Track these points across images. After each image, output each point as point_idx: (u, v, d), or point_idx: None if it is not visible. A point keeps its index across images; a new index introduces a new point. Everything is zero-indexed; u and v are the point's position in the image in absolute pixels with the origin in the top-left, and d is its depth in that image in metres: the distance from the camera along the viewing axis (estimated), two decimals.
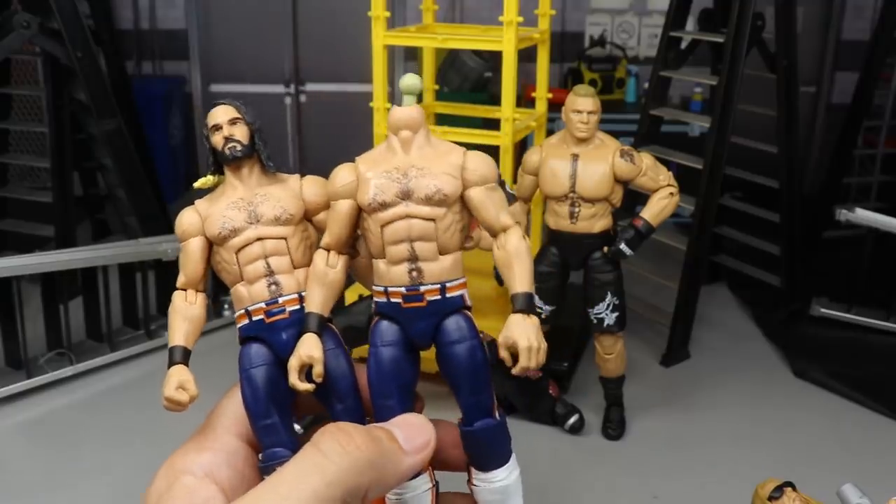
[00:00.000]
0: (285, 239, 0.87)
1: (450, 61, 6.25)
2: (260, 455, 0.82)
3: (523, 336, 0.80)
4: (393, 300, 0.82)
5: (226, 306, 4.66)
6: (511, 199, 3.36)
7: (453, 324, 0.82)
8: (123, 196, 4.89)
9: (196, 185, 0.93)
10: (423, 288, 0.81)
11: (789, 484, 2.35)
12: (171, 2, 6.85)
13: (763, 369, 4.32)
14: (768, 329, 4.66)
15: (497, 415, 0.83)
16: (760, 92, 4.49)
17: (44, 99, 4.76)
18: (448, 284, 0.82)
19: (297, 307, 0.85)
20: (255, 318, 0.87)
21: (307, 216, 0.89)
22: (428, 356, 0.85)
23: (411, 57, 6.77)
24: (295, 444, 0.81)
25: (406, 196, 0.81)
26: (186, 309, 0.91)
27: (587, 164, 3.33)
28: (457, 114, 4.58)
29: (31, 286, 4.07)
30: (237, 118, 0.90)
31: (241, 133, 0.90)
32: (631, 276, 3.88)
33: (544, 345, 0.81)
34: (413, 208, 0.81)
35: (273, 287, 0.86)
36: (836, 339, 4.48)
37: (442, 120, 4.50)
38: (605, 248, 3.42)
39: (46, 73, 4.73)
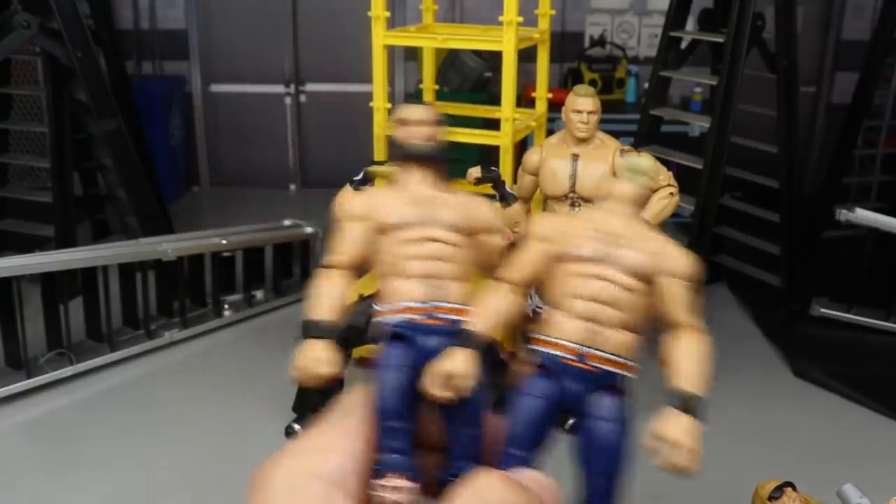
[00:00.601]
0: (456, 247, 0.86)
1: (450, 61, 6.25)
2: (376, 459, 0.78)
3: (682, 437, 0.80)
4: (560, 353, 0.80)
5: (226, 307, 4.66)
6: (511, 198, 3.36)
7: (608, 400, 0.81)
8: (123, 196, 4.90)
9: (372, 169, 0.93)
10: (597, 353, 0.80)
11: (789, 484, 2.35)
12: (171, 2, 6.85)
13: (763, 369, 4.32)
14: (768, 329, 4.66)
15: None
16: (760, 92, 4.49)
17: (44, 99, 4.77)
18: (624, 361, 0.81)
19: (453, 317, 0.83)
20: (407, 316, 0.84)
21: (471, 234, 0.88)
22: None
23: (411, 57, 6.77)
24: (411, 458, 0.79)
25: (607, 260, 0.81)
26: (337, 288, 0.89)
27: (587, 163, 3.33)
28: (457, 114, 4.58)
29: (31, 286, 4.07)
30: (440, 122, 0.90)
31: (439, 135, 0.90)
32: None
33: (698, 449, 0.81)
34: (612, 273, 0.80)
35: (434, 291, 0.84)
36: (836, 339, 4.48)
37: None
38: None
39: (46, 73, 4.73)
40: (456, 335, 0.82)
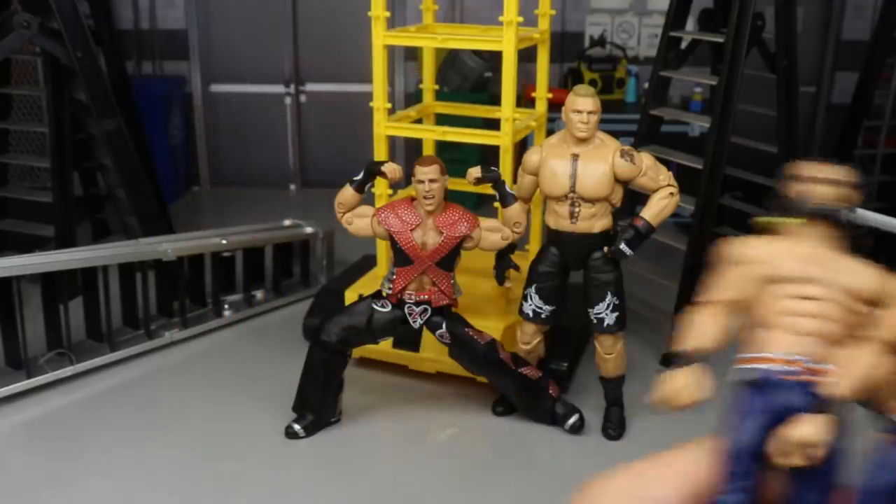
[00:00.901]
0: (842, 311, 0.83)
1: (450, 61, 6.25)
2: (714, 498, 0.77)
3: None
4: None
5: (226, 307, 4.66)
6: (511, 198, 3.36)
7: None
8: (123, 196, 4.90)
9: (763, 220, 0.91)
10: None
11: None
12: (171, 2, 6.85)
13: None
14: None
15: None
16: (760, 92, 4.48)
17: (44, 99, 4.77)
18: None
19: (819, 378, 0.80)
20: (777, 368, 0.82)
21: (860, 301, 0.86)
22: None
23: (411, 57, 6.77)
24: (753, 501, 0.77)
25: None
26: (712, 324, 0.89)
27: (587, 164, 3.33)
28: (457, 114, 4.58)
29: (31, 286, 4.07)
30: (857, 185, 0.89)
31: (853, 199, 0.90)
32: (631, 276, 3.87)
33: None
34: None
35: (808, 349, 0.82)
36: None
37: (442, 120, 4.50)
38: (606, 248, 3.42)
39: (46, 73, 4.73)
40: (817, 396, 0.78)
